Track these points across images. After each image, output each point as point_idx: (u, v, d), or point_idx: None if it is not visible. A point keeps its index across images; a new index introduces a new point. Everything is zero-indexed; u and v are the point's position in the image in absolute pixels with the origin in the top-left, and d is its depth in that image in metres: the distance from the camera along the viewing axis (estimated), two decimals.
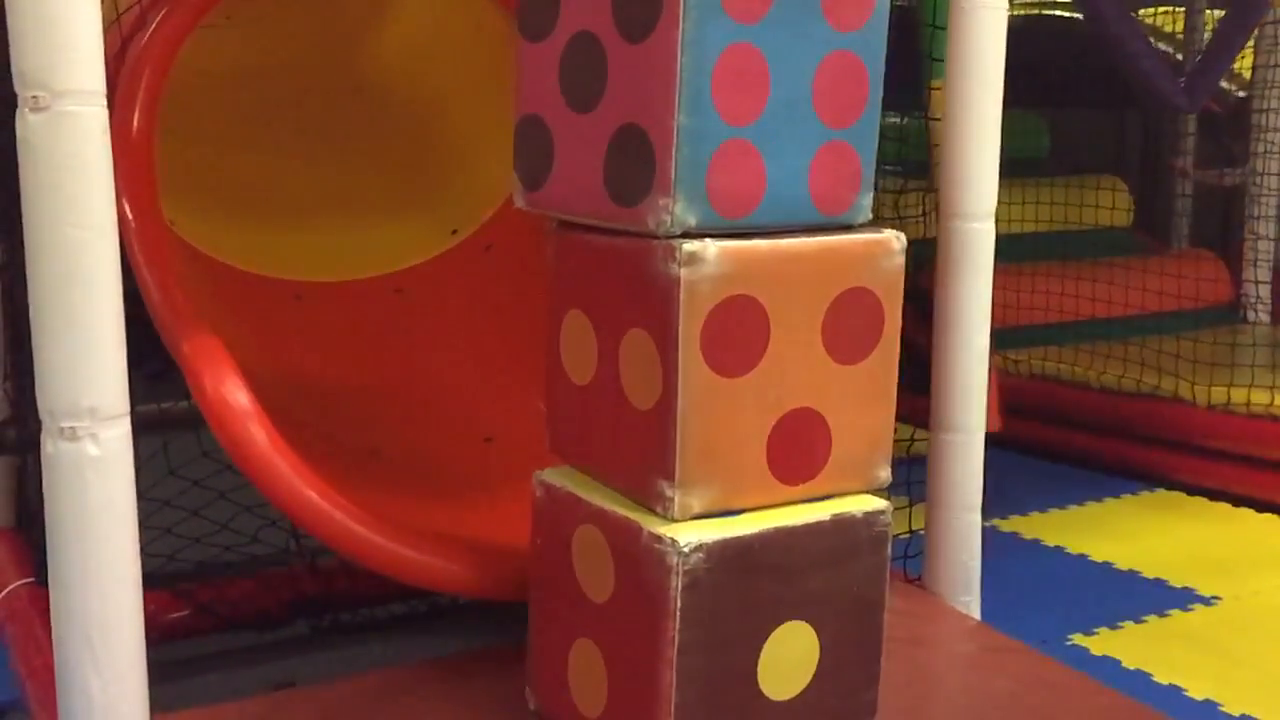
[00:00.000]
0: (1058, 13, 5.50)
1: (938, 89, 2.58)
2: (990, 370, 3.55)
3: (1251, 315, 5.03)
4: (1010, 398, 3.94)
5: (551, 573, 1.64)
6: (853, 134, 1.53)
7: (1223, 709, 2.48)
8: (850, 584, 1.57)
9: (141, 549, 1.54)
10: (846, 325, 1.54)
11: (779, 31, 1.45)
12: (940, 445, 2.23)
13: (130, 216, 1.89)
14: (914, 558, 2.33)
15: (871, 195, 1.57)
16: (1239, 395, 3.81)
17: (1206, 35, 5.24)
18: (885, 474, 1.62)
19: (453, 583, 1.89)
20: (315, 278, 2.65)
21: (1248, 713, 2.46)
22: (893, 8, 1.55)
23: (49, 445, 1.47)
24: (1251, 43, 4.92)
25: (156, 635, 1.65)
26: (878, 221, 1.60)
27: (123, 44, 2.06)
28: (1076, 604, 3.01)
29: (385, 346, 2.58)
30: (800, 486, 1.55)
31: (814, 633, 1.55)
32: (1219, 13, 5.11)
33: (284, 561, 2.32)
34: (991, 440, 2.26)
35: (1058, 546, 3.43)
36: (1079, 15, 5.09)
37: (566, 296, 1.62)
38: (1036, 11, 5.53)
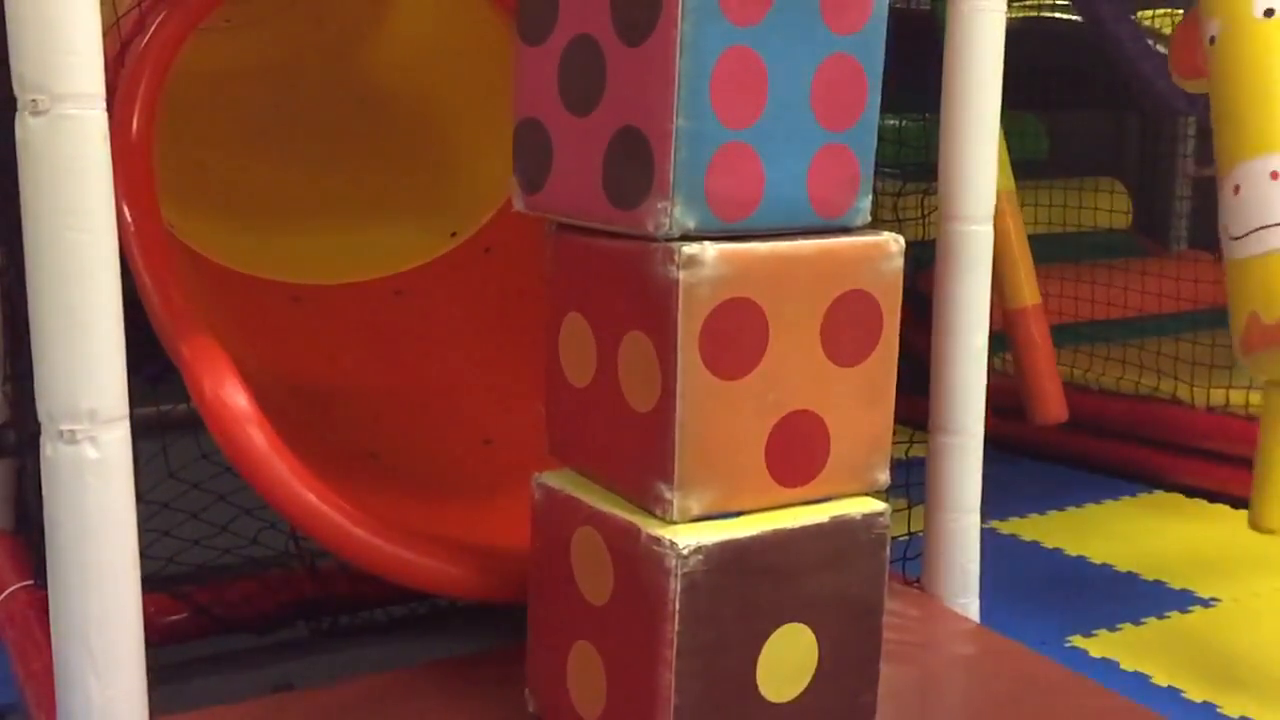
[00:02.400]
0: (1056, 15, 5.51)
1: None
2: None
3: None
4: (1008, 399, 3.95)
5: (550, 575, 1.64)
6: (851, 137, 1.53)
7: (1221, 710, 2.49)
8: (849, 586, 1.57)
9: (140, 552, 1.54)
10: (845, 328, 1.54)
11: (777, 34, 1.45)
12: (939, 447, 2.23)
13: (129, 219, 1.89)
14: (913, 560, 2.33)
15: (870, 198, 1.57)
16: (1238, 397, 3.81)
17: None
18: (884, 476, 1.62)
19: (452, 585, 1.89)
20: (314, 280, 2.65)
21: (1246, 714, 2.47)
22: (903, 11, 1.55)
23: (48, 448, 1.47)
24: None
25: (155, 638, 1.65)
26: (876, 224, 1.60)
27: (122, 47, 2.06)
28: (1075, 606, 3.01)
29: (384, 349, 2.58)
30: (799, 489, 1.55)
31: (813, 635, 1.55)
32: None
33: (283, 564, 2.31)
34: (990, 442, 2.27)
35: (1056, 548, 3.43)
36: (1077, 18, 5.10)
37: (565, 299, 1.62)
38: (1035, 14, 5.53)
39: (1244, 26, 2.45)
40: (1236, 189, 2.44)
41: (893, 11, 1.56)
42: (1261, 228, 2.39)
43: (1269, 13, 2.40)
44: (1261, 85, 2.42)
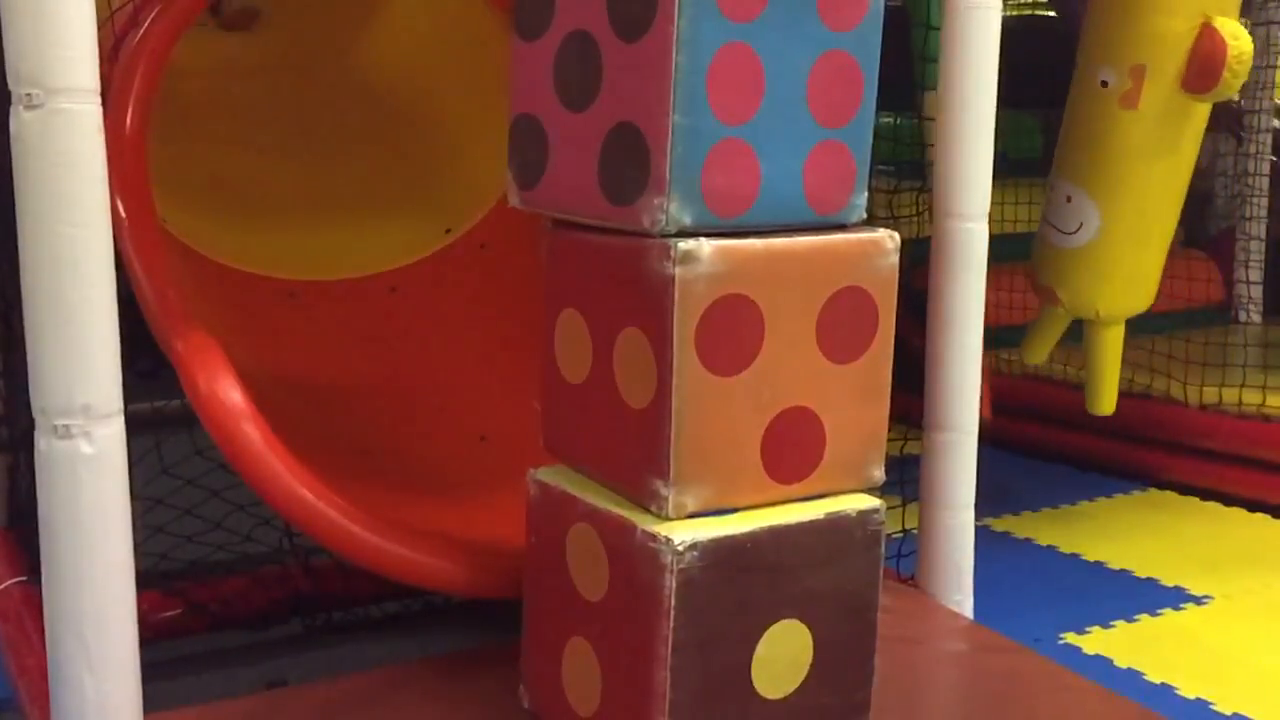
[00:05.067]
0: (1051, 13, 5.51)
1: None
2: (985, 365, 3.66)
3: (1243, 315, 5.04)
4: (1004, 397, 3.95)
5: (545, 571, 1.64)
6: (847, 133, 1.54)
7: (1214, 708, 2.49)
8: (844, 583, 1.58)
9: (134, 548, 1.54)
10: (841, 324, 1.54)
11: (774, 31, 1.45)
12: (933, 444, 2.23)
13: (124, 214, 1.88)
14: (907, 557, 2.34)
15: (866, 195, 1.58)
16: (1230, 395, 3.81)
17: None
18: (879, 473, 1.63)
19: (447, 581, 1.89)
20: (309, 276, 2.65)
21: (1239, 711, 2.47)
22: (885, 7, 1.55)
23: (43, 443, 1.47)
24: None
25: (149, 634, 1.65)
26: (872, 221, 1.60)
27: (116, 42, 2.05)
28: (1069, 603, 3.02)
29: (379, 345, 2.57)
30: (795, 485, 1.55)
31: (808, 631, 1.55)
32: None
33: (277, 560, 2.31)
34: (984, 439, 2.27)
35: (1050, 546, 3.44)
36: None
37: (561, 295, 1.62)
38: (1030, 12, 5.54)
39: (1087, 85, 3.01)
40: (1052, 187, 3.10)
41: None
42: (1051, 225, 3.07)
43: (1104, 84, 2.94)
44: (1083, 131, 3.02)
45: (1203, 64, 2.80)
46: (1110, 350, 3.11)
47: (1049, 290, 3.07)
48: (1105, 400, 3.22)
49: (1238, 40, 2.81)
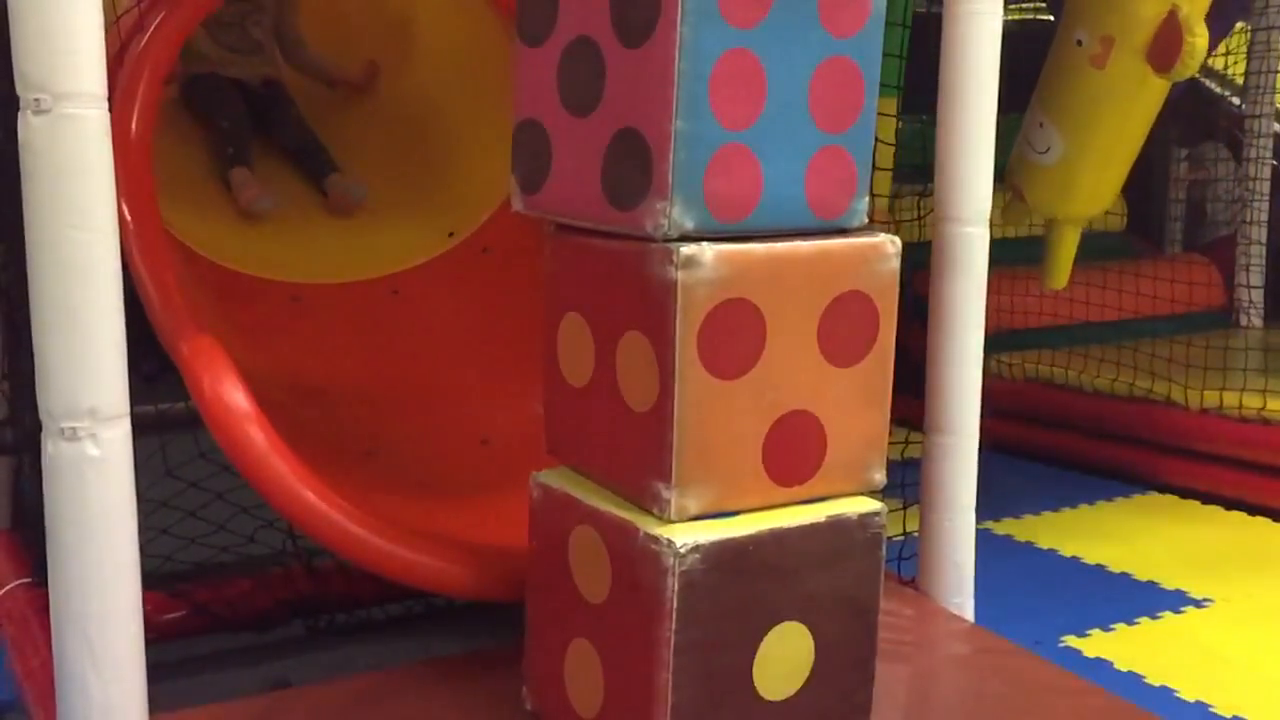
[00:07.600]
0: (1051, 18, 5.51)
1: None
2: None
3: (1243, 319, 5.05)
4: (1004, 401, 3.96)
5: (548, 573, 1.65)
6: (848, 139, 1.54)
7: (1214, 710, 2.50)
8: (845, 585, 1.58)
9: (139, 549, 1.55)
10: (842, 328, 1.55)
11: (775, 37, 1.46)
12: (934, 447, 2.24)
13: (129, 219, 1.90)
14: (908, 560, 2.34)
15: (867, 199, 1.58)
16: (1231, 399, 3.82)
17: None
18: (880, 476, 1.63)
19: (449, 584, 1.90)
20: (312, 280, 2.66)
21: (1239, 714, 2.48)
22: None
23: (49, 446, 1.48)
24: (1245, 48, 4.94)
25: (153, 635, 1.66)
26: (873, 225, 1.61)
27: (121, 46, 2.06)
28: (1069, 606, 3.02)
29: (383, 348, 2.58)
30: (796, 488, 1.56)
31: (809, 634, 1.56)
32: None
33: (281, 562, 2.32)
34: (985, 443, 2.27)
35: (1051, 549, 3.44)
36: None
37: (564, 299, 1.63)
38: (1031, 16, 5.54)
39: (1066, 40, 3.42)
40: (1031, 110, 3.55)
41: None
42: (1027, 142, 3.54)
43: (1079, 43, 3.34)
44: (1057, 76, 3.45)
45: (1162, 47, 3.19)
46: (1066, 243, 3.67)
47: (1019, 190, 3.59)
48: (1058, 280, 3.76)
49: (1194, 37, 3.14)
